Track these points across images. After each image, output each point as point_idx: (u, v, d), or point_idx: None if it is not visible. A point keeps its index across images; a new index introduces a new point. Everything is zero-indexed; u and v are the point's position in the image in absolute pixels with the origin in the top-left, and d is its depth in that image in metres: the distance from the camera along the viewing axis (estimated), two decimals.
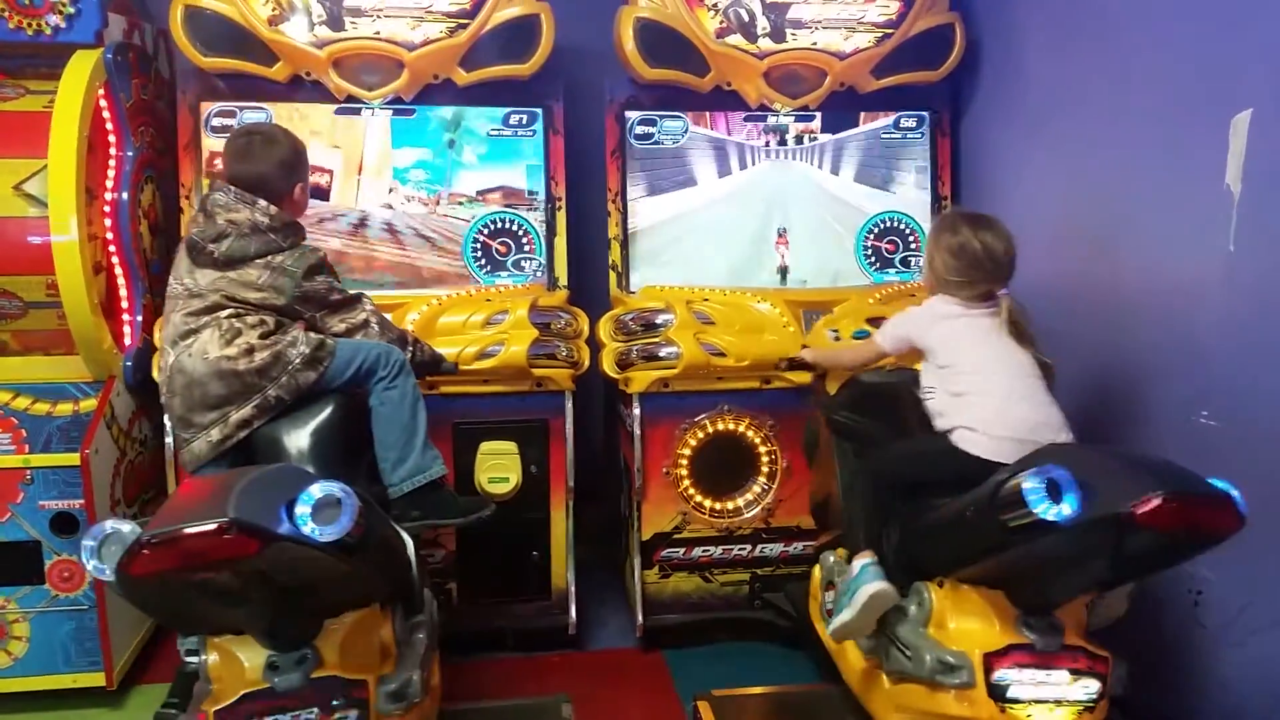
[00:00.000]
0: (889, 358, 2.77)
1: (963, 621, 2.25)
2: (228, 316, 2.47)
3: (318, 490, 1.75)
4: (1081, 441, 2.43)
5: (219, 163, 3.14)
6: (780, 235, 3.72)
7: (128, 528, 1.78)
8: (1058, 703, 2.13)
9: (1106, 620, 2.32)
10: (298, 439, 2.37)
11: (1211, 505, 1.92)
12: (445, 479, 2.68)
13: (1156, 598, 2.75)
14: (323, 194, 3.47)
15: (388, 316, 2.79)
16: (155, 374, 2.65)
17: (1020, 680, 2.13)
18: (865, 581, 2.37)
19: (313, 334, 2.56)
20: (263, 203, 2.56)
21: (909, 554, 2.45)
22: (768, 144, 3.73)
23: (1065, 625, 2.17)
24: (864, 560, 2.43)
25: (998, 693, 2.13)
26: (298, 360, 2.47)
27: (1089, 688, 2.14)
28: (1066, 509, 1.90)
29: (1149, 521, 1.86)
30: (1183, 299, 2.68)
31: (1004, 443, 2.33)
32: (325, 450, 2.38)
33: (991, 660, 2.14)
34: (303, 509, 1.73)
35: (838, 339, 3.16)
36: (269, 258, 2.53)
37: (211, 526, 1.63)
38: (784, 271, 3.71)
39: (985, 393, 2.42)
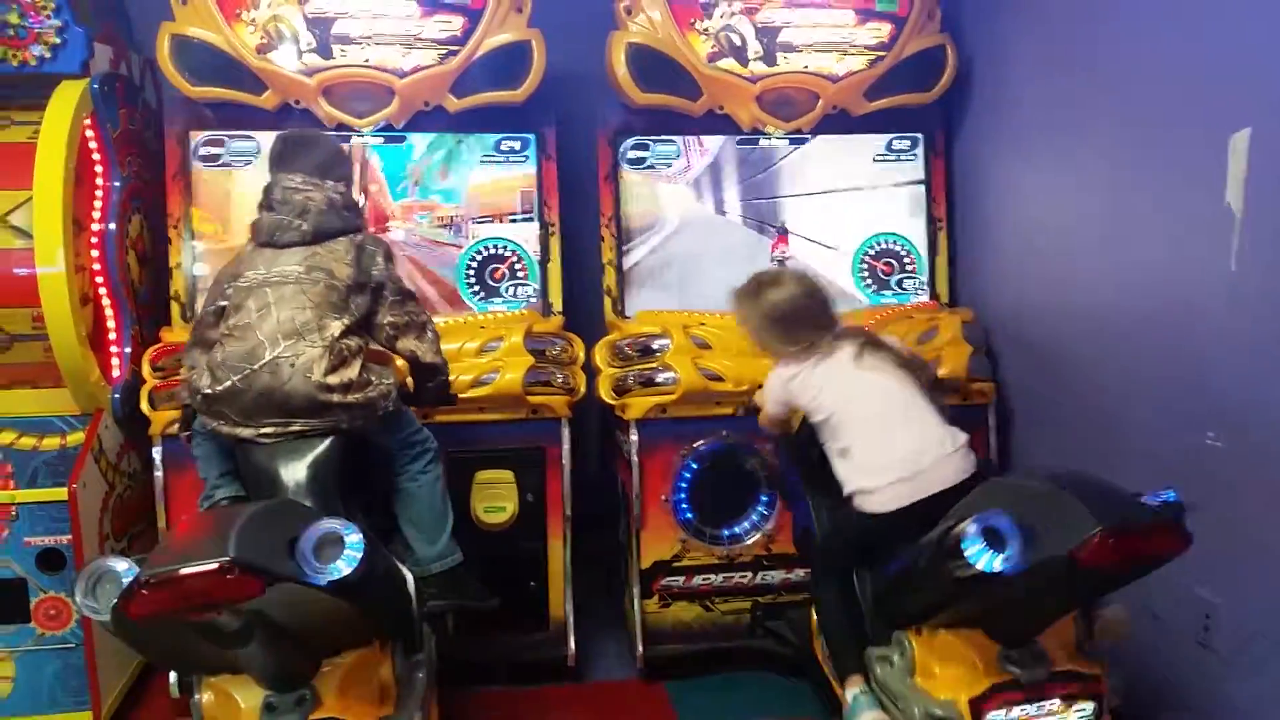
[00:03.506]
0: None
1: (945, 667, 2.21)
2: (339, 337, 2.43)
3: (322, 529, 1.71)
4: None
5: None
6: (781, 234, 3.72)
7: (123, 566, 1.73)
8: None
9: (1112, 638, 2.27)
10: (295, 471, 2.31)
11: (1153, 533, 1.91)
12: (464, 564, 2.76)
13: (1164, 622, 2.71)
14: None
15: None
16: (215, 358, 2.42)
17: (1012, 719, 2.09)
18: (858, 713, 2.34)
19: (393, 390, 2.53)
20: (331, 182, 2.59)
21: (881, 606, 2.42)
22: (758, 165, 3.72)
23: (1051, 650, 2.13)
24: (854, 690, 2.39)
25: None
26: (379, 412, 2.48)
27: (1084, 710, 2.11)
28: (1009, 558, 1.88)
29: (1092, 562, 1.85)
30: (1185, 319, 2.66)
31: (900, 487, 2.34)
32: (323, 485, 2.33)
33: (978, 706, 2.09)
34: (306, 547, 1.69)
35: None
36: (350, 236, 2.56)
37: (213, 566, 1.59)
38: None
39: (863, 443, 2.43)
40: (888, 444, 2.40)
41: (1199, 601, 2.59)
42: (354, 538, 1.73)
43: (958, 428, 2.46)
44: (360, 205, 2.71)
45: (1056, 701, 2.09)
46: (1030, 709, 2.09)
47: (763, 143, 3.70)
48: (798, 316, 2.55)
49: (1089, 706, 2.10)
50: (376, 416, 2.47)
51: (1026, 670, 2.10)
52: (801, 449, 2.75)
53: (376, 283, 2.56)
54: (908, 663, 2.27)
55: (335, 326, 2.43)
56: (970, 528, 1.90)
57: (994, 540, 1.89)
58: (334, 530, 1.72)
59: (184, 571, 1.60)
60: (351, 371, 2.42)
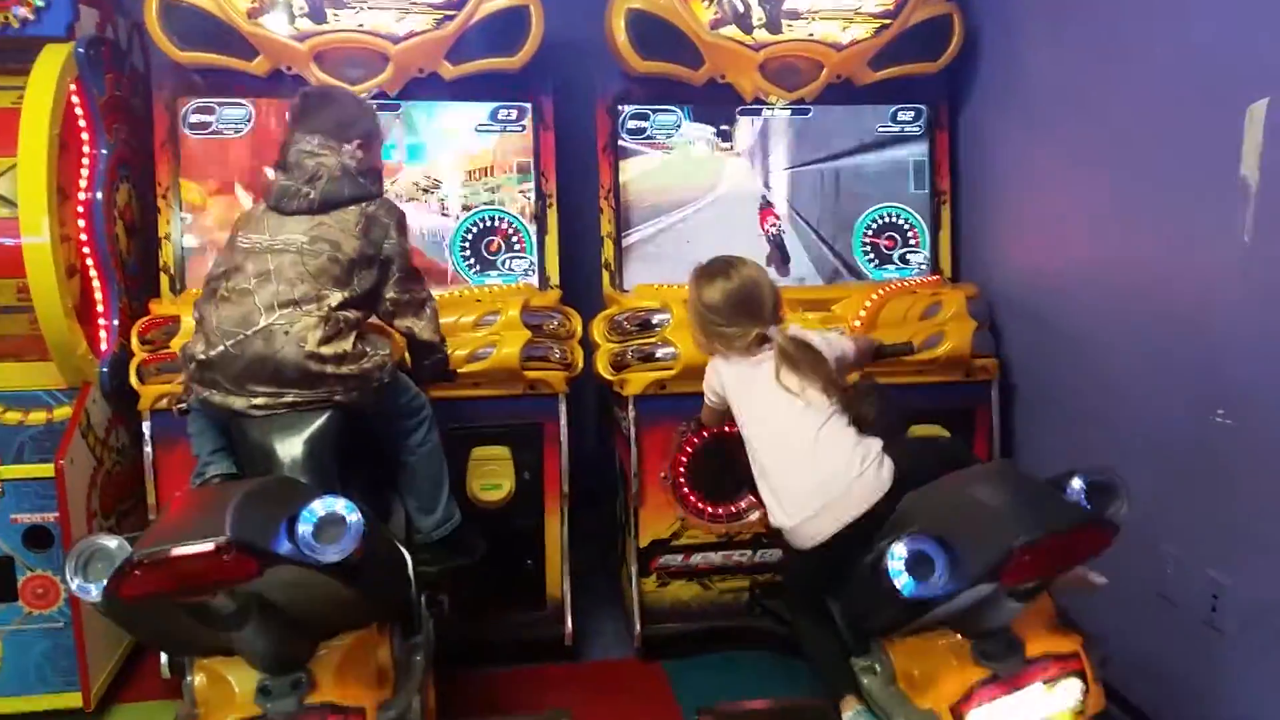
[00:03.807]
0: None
1: (924, 672, 2.16)
2: (337, 308, 2.37)
3: (321, 507, 1.66)
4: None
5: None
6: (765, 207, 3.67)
7: (114, 544, 1.68)
8: (1046, 719, 2.05)
9: (1086, 590, 2.21)
10: (291, 447, 2.25)
11: (1075, 534, 1.87)
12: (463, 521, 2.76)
13: (1168, 602, 2.68)
14: None
15: None
16: (210, 321, 2.37)
17: (996, 715, 2.03)
18: None
19: (388, 361, 2.49)
20: (349, 146, 2.51)
21: (851, 623, 2.37)
22: (759, 135, 3.66)
23: (1025, 636, 2.07)
24: (849, 713, 2.32)
25: None
26: (374, 384, 2.43)
27: (1070, 689, 2.05)
28: (937, 582, 1.85)
29: (1018, 579, 1.84)
30: (1196, 294, 2.61)
31: (815, 522, 2.28)
32: (320, 461, 2.27)
33: (959, 710, 2.03)
34: (305, 527, 1.63)
35: None
36: (362, 204, 2.48)
37: (209, 547, 1.54)
38: (779, 242, 3.66)
39: (776, 469, 2.37)
40: (797, 475, 2.33)
41: (1207, 582, 2.56)
42: (354, 517, 1.68)
43: (871, 437, 2.36)
44: (376, 168, 2.63)
45: (1039, 686, 2.04)
46: (1012, 701, 2.03)
47: (765, 113, 3.63)
48: (728, 314, 2.46)
49: (1073, 684, 2.05)
50: (371, 389, 2.42)
51: (1002, 662, 2.04)
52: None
53: (385, 257, 2.51)
54: (888, 672, 2.23)
55: (334, 298, 2.38)
56: (896, 552, 1.87)
57: (922, 564, 1.86)
58: (334, 510, 1.68)
59: (178, 552, 1.55)
60: (346, 344, 2.36)
